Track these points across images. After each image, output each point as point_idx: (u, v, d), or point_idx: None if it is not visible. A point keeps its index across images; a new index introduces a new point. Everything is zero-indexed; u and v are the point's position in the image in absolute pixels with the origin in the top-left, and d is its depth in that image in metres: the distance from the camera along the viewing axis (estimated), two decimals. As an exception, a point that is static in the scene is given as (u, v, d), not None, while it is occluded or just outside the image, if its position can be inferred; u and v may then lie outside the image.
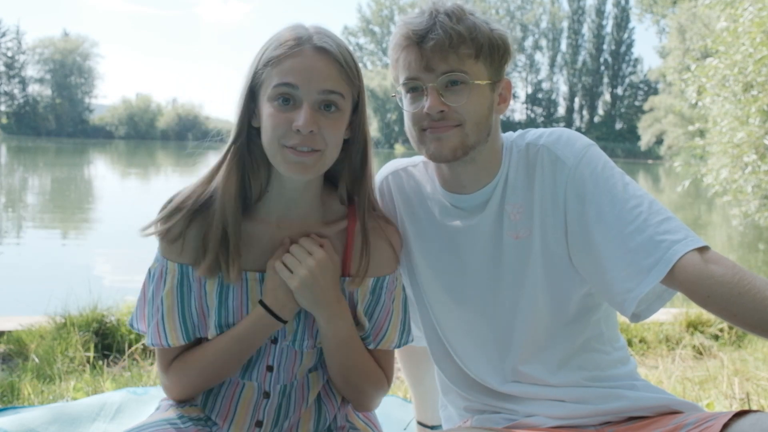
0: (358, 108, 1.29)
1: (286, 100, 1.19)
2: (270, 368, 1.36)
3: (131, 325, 1.39)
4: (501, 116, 1.42)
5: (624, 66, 70.79)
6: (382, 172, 1.55)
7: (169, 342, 1.30)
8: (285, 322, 1.29)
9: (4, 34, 64.67)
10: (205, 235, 1.27)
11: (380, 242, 1.35)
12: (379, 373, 1.39)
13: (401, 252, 1.44)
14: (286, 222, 1.32)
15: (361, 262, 1.32)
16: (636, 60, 71.34)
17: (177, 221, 1.27)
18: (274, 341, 1.34)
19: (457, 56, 1.28)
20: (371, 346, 1.38)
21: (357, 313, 1.35)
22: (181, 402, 1.38)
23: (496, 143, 1.40)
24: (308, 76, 1.18)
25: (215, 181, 1.28)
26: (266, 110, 1.20)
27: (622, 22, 69.83)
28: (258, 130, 1.25)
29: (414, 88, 1.32)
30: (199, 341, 1.36)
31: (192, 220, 1.28)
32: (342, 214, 1.36)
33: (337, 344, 1.31)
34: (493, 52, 1.31)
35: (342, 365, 1.34)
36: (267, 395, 1.36)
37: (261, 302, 1.28)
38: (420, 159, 1.51)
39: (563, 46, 73.57)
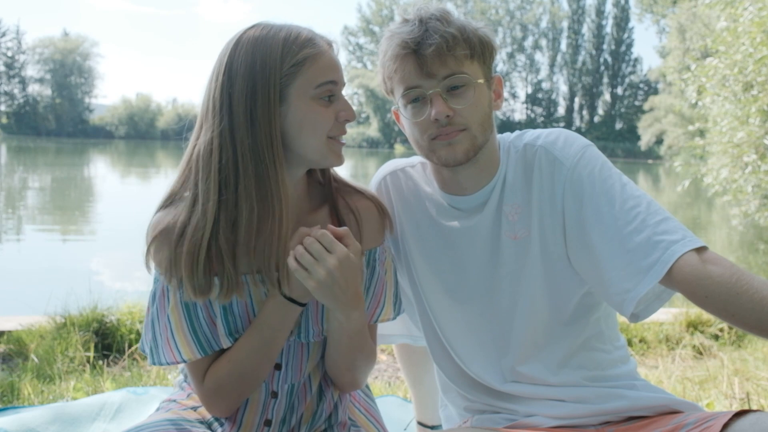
0: None
1: (329, 95, 1.24)
2: (278, 366, 1.35)
3: (143, 350, 1.34)
4: (501, 116, 1.43)
5: (624, 66, 70.75)
6: (380, 173, 1.55)
7: (184, 356, 1.26)
8: (304, 305, 1.27)
9: (4, 34, 64.70)
10: (197, 255, 1.21)
11: (364, 216, 1.37)
12: (374, 349, 1.40)
13: (388, 220, 1.43)
14: None
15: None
16: (636, 60, 71.31)
17: (167, 247, 1.23)
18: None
19: (455, 59, 1.28)
20: (371, 322, 1.38)
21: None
22: (226, 417, 1.35)
23: (494, 142, 1.40)
24: (339, 70, 1.26)
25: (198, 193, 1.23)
26: (312, 108, 1.22)
27: (622, 22, 69.80)
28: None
29: (416, 99, 1.32)
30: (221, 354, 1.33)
31: (179, 239, 1.23)
32: (323, 199, 1.38)
33: (351, 335, 1.29)
34: (484, 49, 1.33)
35: (350, 352, 1.32)
36: (275, 395, 1.36)
37: (282, 293, 1.24)
38: (418, 159, 1.51)
39: (563, 46, 73.58)
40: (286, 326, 1.27)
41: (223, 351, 1.31)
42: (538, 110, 74.02)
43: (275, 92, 1.19)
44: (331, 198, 1.38)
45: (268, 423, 1.37)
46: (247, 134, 1.19)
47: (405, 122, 1.39)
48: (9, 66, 65.75)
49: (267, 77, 1.18)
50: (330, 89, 1.24)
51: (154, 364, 1.29)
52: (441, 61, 1.28)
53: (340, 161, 1.30)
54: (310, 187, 1.38)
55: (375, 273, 1.38)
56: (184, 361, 1.27)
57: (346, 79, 1.31)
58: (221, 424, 1.36)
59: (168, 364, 1.28)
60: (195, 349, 1.27)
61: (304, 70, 1.21)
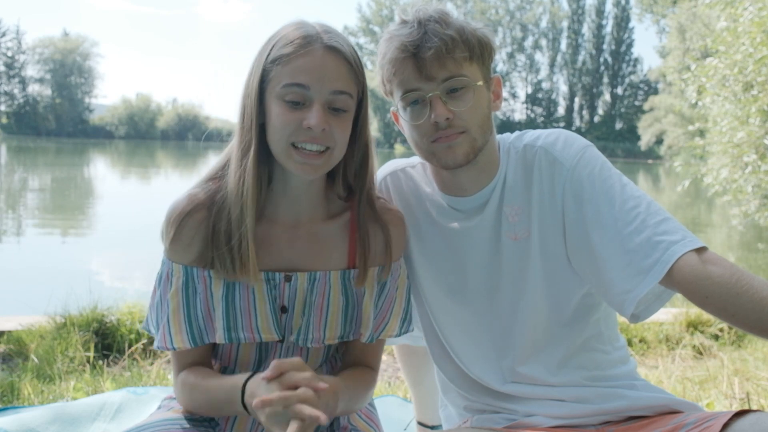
0: (361, 105, 1.29)
1: (295, 99, 1.18)
2: None
3: (147, 330, 1.35)
4: (501, 116, 1.42)
5: (624, 66, 70.83)
6: (380, 173, 1.55)
7: (175, 345, 1.27)
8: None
9: (4, 34, 64.72)
10: (218, 237, 1.25)
11: (383, 231, 1.34)
12: (370, 380, 1.37)
13: (405, 239, 1.42)
14: (292, 219, 1.32)
15: (365, 252, 1.32)
16: (636, 60, 71.41)
17: (187, 226, 1.26)
18: (281, 340, 1.33)
19: (454, 61, 1.28)
20: (374, 337, 1.37)
21: (364, 305, 1.34)
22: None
23: (494, 144, 1.40)
24: (319, 76, 1.18)
25: (225, 180, 1.27)
26: (275, 109, 1.20)
27: (622, 22, 69.86)
28: (262, 127, 1.25)
29: (415, 101, 1.32)
30: (210, 349, 1.34)
31: (201, 223, 1.26)
32: (344, 207, 1.36)
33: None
34: (483, 51, 1.32)
35: (348, 402, 1.31)
36: None
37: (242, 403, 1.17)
38: (418, 160, 1.51)
39: (563, 46, 73.62)
40: (233, 410, 1.22)
41: (212, 345, 1.33)
42: (538, 110, 74.05)
43: (255, 87, 1.21)
44: (354, 209, 1.34)
45: None
46: (240, 122, 1.25)
47: (404, 124, 1.39)
48: (9, 66, 65.77)
49: (255, 69, 1.23)
50: (296, 92, 1.17)
51: (156, 346, 1.31)
52: (440, 64, 1.27)
53: (303, 173, 1.21)
54: (331, 195, 1.37)
55: (386, 288, 1.37)
56: (174, 349, 1.28)
57: (365, 81, 1.29)
58: (218, 423, 1.36)
59: (160, 349, 1.29)
60: (186, 338, 1.28)
61: (278, 68, 1.19)
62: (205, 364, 1.34)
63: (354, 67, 1.23)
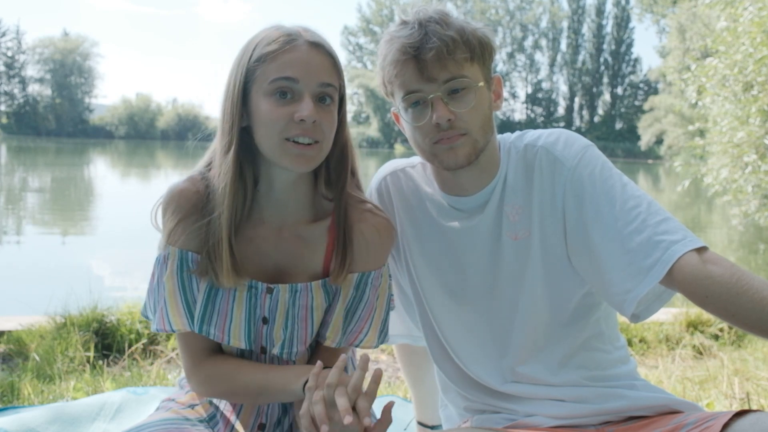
0: (341, 102, 1.30)
1: (284, 93, 1.19)
2: None
3: (145, 315, 1.36)
4: (501, 116, 1.42)
5: (624, 66, 70.74)
6: (380, 173, 1.55)
7: (173, 327, 1.27)
8: None
9: (4, 34, 64.69)
10: (207, 239, 1.25)
11: (366, 237, 1.32)
12: None
13: (393, 247, 1.40)
14: (278, 221, 1.32)
15: (343, 259, 1.30)
16: (636, 60, 71.29)
17: (191, 213, 1.26)
18: (263, 351, 1.33)
19: (455, 62, 1.28)
20: (353, 345, 1.35)
21: (336, 309, 1.33)
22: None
23: (495, 143, 1.40)
24: (306, 69, 1.19)
25: (213, 182, 1.27)
26: (263, 106, 1.20)
27: (622, 21, 69.81)
28: (245, 130, 1.25)
29: (416, 103, 1.31)
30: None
31: (203, 213, 1.26)
32: (329, 211, 1.35)
33: None
34: (483, 51, 1.32)
35: None
36: None
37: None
38: (418, 160, 1.51)
39: (563, 46, 73.56)
40: (281, 394, 1.26)
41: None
42: (538, 110, 73.98)
43: (238, 88, 1.22)
44: (337, 211, 1.32)
45: (261, 427, 1.37)
46: (221, 124, 1.25)
47: (405, 125, 1.38)
48: (9, 66, 65.70)
49: (235, 73, 1.23)
50: (285, 86, 1.18)
51: (153, 329, 1.31)
52: (441, 65, 1.27)
53: (298, 166, 1.21)
54: (318, 198, 1.36)
55: (364, 297, 1.35)
56: (173, 331, 1.28)
57: (344, 79, 1.29)
58: (217, 422, 1.37)
59: (158, 331, 1.29)
60: (186, 320, 1.28)
61: (264, 66, 1.19)
62: (215, 350, 1.34)
63: (336, 62, 1.25)
